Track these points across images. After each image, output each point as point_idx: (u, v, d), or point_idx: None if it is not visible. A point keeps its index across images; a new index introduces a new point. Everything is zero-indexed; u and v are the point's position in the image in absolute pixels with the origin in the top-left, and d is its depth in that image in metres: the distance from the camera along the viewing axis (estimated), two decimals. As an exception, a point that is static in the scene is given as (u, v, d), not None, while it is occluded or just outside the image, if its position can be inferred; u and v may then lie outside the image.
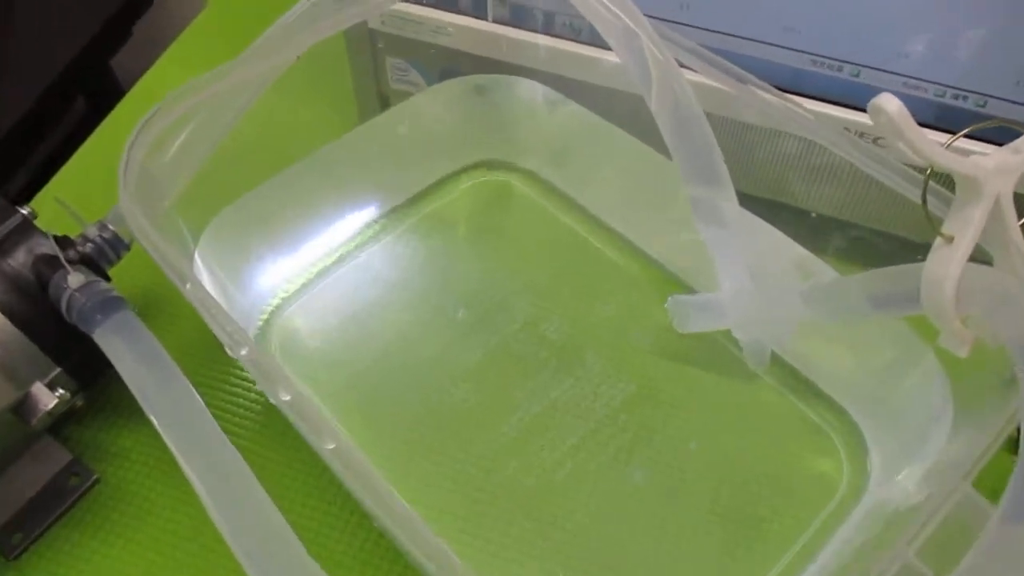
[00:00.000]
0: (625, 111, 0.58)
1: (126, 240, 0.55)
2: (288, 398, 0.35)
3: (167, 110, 0.48)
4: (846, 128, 0.55)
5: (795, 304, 0.50)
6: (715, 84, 0.52)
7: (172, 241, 0.48)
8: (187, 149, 0.51)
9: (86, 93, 1.02)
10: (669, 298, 0.56)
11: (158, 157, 0.49)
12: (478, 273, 0.62)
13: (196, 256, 0.52)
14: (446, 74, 0.64)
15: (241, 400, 0.57)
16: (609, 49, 0.49)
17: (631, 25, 0.49)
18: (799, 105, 0.51)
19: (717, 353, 0.57)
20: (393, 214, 0.65)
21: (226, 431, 0.40)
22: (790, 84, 0.58)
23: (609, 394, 0.55)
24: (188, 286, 0.39)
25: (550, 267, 0.61)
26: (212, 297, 0.39)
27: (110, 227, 0.58)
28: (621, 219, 0.61)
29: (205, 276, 0.52)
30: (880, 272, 0.45)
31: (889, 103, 0.36)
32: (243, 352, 0.37)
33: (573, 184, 0.63)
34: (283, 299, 0.60)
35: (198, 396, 0.46)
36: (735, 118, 0.56)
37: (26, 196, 0.72)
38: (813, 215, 0.57)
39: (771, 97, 0.52)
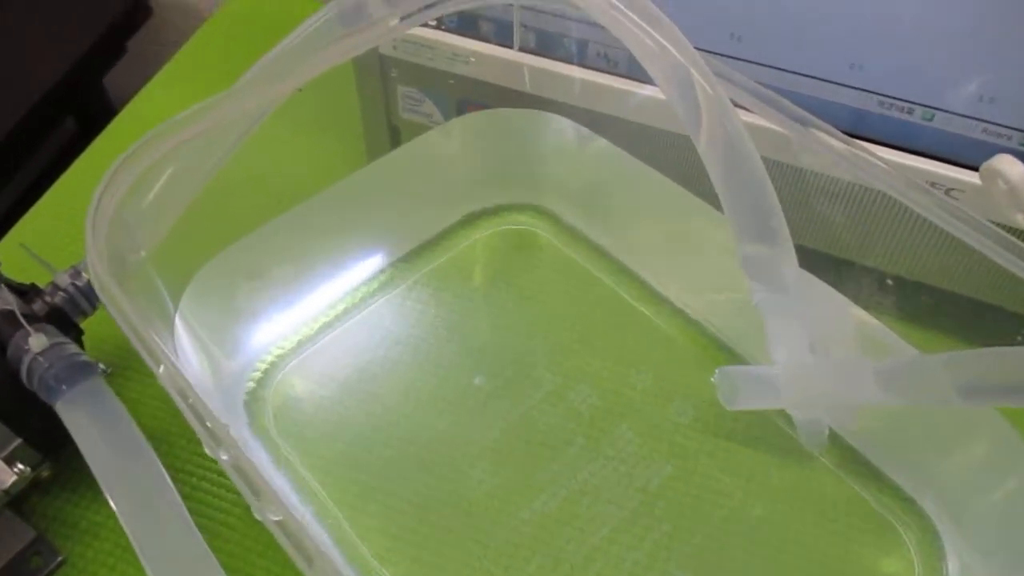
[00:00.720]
0: (665, 152, 0.52)
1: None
2: (278, 519, 0.29)
3: (147, 149, 0.41)
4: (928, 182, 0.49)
5: (865, 385, 0.43)
6: (772, 126, 0.45)
7: (148, 300, 0.42)
8: (168, 193, 0.44)
9: (76, 113, 0.95)
10: (717, 371, 0.49)
11: (135, 202, 0.42)
12: (498, 333, 0.55)
13: (176, 317, 0.45)
14: (464, 106, 0.58)
15: (228, 492, 0.50)
16: (648, 82, 0.43)
17: (679, 58, 0.42)
18: (871, 152, 0.45)
19: (767, 431, 0.50)
20: (403, 264, 0.58)
21: (205, 528, 0.34)
22: (851, 127, 0.51)
23: (645, 476, 0.48)
24: (162, 369, 0.33)
25: (579, 327, 0.55)
26: (190, 384, 0.32)
27: (84, 274, 0.52)
28: (659, 273, 0.54)
29: (186, 339, 0.45)
30: (972, 355, 0.38)
31: (1011, 167, 0.30)
32: (223, 457, 0.30)
33: (605, 232, 0.56)
34: (277, 360, 0.53)
35: (171, 485, 0.39)
36: (793, 164, 0.49)
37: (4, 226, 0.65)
38: (882, 275, 0.50)
39: (837, 143, 0.45)
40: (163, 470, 0.40)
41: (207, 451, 0.32)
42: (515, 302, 0.56)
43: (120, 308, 0.35)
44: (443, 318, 0.55)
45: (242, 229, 0.50)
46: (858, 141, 0.45)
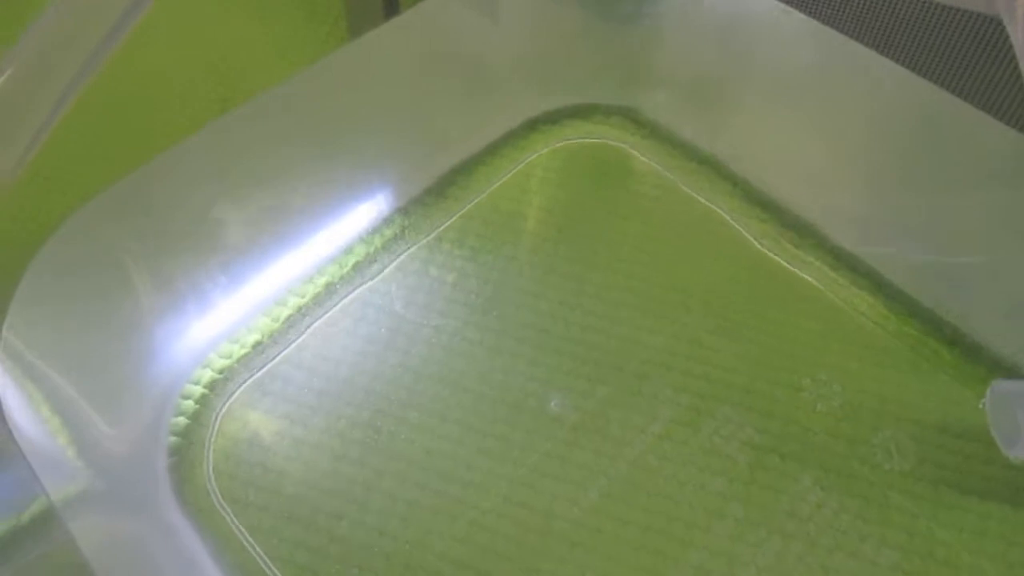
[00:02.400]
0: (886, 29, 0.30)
1: None
2: None
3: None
4: None
5: None
6: None
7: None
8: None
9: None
10: (991, 388, 0.28)
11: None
12: (575, 321, 0.34)
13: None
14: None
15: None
16: None
17: None
18: None
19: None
20: (412, 211, 0.36)
21: None
22: None
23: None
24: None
25: (709, 306, 0.34)
26: None
27: None
28: (829, 213, 0.33)
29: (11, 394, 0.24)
30: None
31: None
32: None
33: (752, 154, 0.35)
34: (215, 382, 0.32)
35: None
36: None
37: None
38: None
39: None
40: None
41: None
42: (602, 266, 0.35)
43: None
44: (486, 298, 0.34)
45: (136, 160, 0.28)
46: None
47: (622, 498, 0.30)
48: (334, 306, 0.34)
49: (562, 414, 0.32)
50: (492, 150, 0.37)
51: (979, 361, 0.32)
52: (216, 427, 0.32)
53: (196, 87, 0.40)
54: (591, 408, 0.32)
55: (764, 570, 0.29)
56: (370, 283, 0.35)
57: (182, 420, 0.32)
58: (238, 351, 0.33)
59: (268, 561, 0.29)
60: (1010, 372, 0.31)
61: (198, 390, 0.33)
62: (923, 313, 0.33)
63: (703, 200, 0.36)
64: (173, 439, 0.31)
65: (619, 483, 0.31)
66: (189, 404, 0.32)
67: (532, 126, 0.38)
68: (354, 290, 0.35)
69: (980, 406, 0.30)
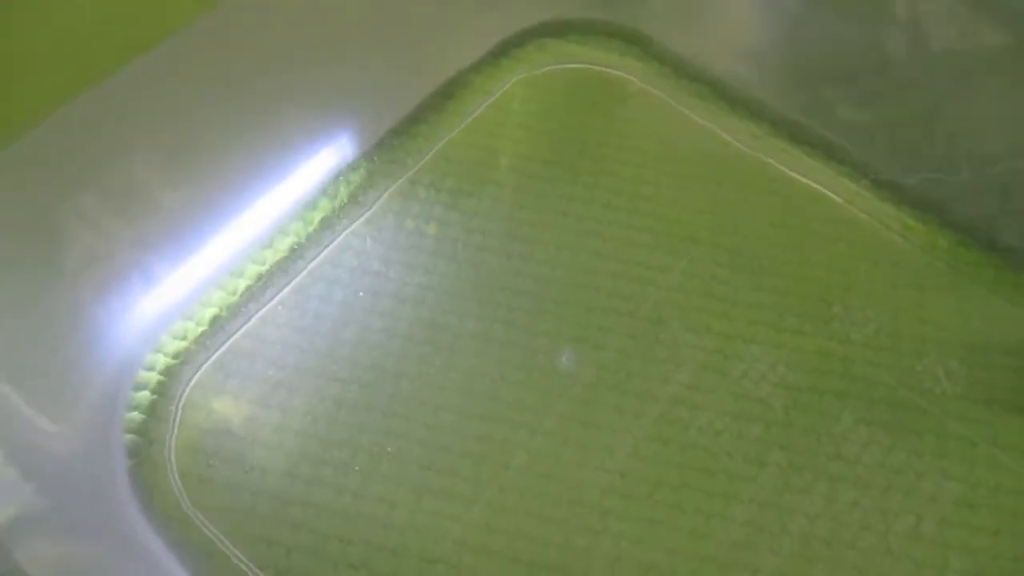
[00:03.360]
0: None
1: None
2: None
3: None
4: None
5: None
6: None
7: None
8: None
9: None
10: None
11: None
12: (574, 262, 0.30)
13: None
14: None
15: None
16: None
17: None
18: None
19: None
20: (378, 154, 0.32)
21: None
22: None
23: (907, 511, 0.26)
24: None
25: (726, 236, 0.31)
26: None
27: None
28: (854, 130, 0.30)
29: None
30: None
31: None
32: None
33: (742, 62, 0.32)
34: (170, 368, 0.28)
35: None
36: None
37: None
38: None
39: None
40: None
41: None
42: (598, 202, 0.31)
43: None
44: (474, 248, 0.30)
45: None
46: None
47: (653, 457, 0.27)
48: (301, 271, 0.30)
49: (576, 370, 0.28)
50: (462, 80, 0.33)
51: (1020, 269, 0.29)
52: (177, 419, 0.27)
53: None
54: (607, 361, 0.28)
55: (815, 518, 0.26)
56: (340, 239, 0.30)
57: (136, 415, 0.27)
58: (193, 329, 0.29)
59: (258, 572, 0.25)
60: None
61: (152, 377, 0.28)
62: (954, 222, 0.30)
63: (698, 119, 0.33)
64: (129, 438, 0.27)
65: (648, 441, 0.27)
66: (144, 396, 0.27)
67: (504, 51, 0.34)
68: (323, 250, 0.30)
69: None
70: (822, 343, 0.29)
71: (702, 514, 0.26)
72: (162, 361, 0.28)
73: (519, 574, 0.25)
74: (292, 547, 0.25)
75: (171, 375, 0.28)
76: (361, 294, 0.29)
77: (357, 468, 0.27)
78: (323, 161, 0.31)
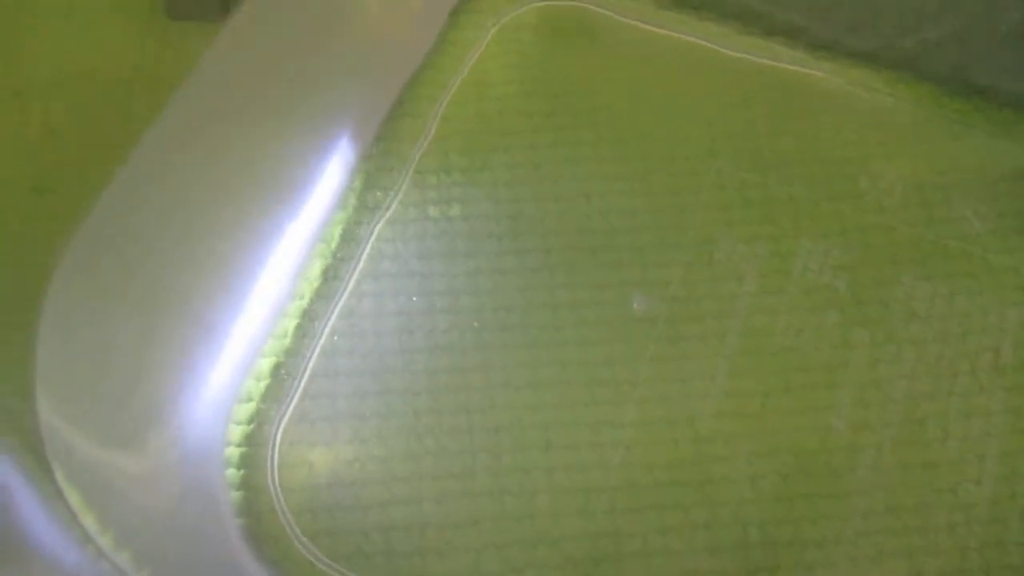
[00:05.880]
0: None
1: None
2: None
3: None
4: None
5: None
6: None
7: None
8: None
9: None
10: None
11: None
12: (611, 208, 0.30)
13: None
14: None
15: None
16: None
17: None
18: None
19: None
20: (374, 155, 0.30)
21: None
22: None
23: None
24: None
25: (742, 139, 0.31)
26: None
27: None
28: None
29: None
30: None
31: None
32: None
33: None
34: (248, 438, 0.26)
35: None
36: None
37: None
38: None
39: None
40: None
41: None
42: (609, 141, 0.31)
43: None
44: (506, 219, 0.29)
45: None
46: None
47: (750, 371, 0.28)
48: (343, 292, 0.28)
49: (651, 312, 0.28)
50: (436, 50, 0.31)
51: (1005, 105, 0.31)
52: (278, 488, 0.26)
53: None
54: (675, 294, 0.28)
55: (914, 378, 0.27)
56: (368, 249, 0.28)
57: (237, 495, 0.25)
58: (257, 387, 0.27)
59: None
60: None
61: (234, 453, 0.26)
62: (934, 76, 0.32)
63: (676, 35, 0.32)
64: (239, 522, 0.25)
65: (740, 357, 0.28)
66: (232, 474, 0.25)
67: (462, 9, 0.32)
68: (356, 265, 0.28)
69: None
70: (862, 218, 0.30)
71: (813, 410, 0.27)
72: (239, 431, 0.26)
73: (676, 521, 0.26)
74: (449, 571, 0.25)
75: (252, 443, 0.26)
76: (415, 299, 0.28)
77: (481, 469, 0.26)
78: (326, 178, 0.29)
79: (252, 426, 0.26)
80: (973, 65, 0.32)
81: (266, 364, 0.27)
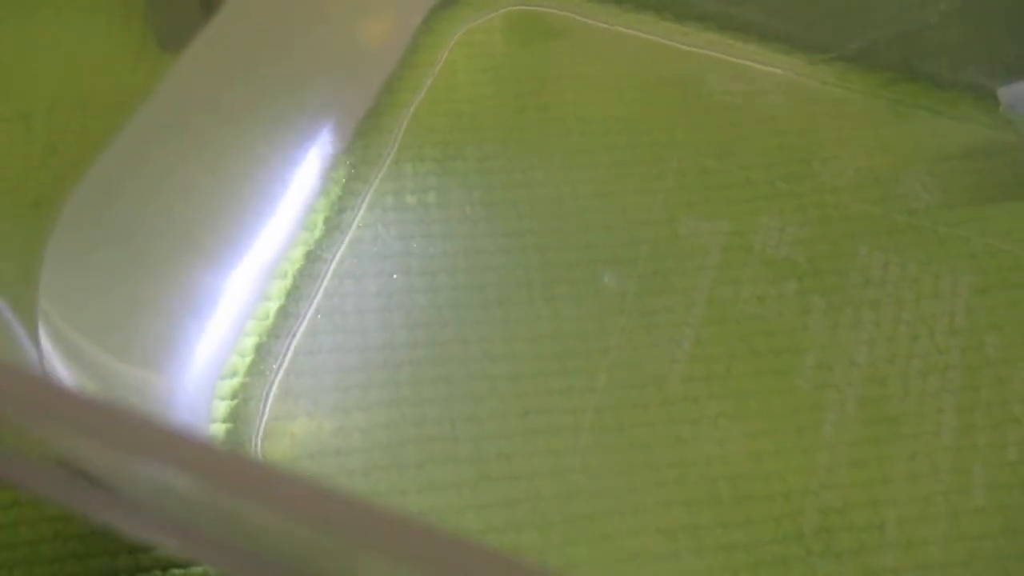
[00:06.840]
0: None
1: None
2: None
3: None
4: None
5: None
6: None
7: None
8: None
9: None
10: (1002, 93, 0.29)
11: None
12: (581, 192, 0.31)
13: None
14: None
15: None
16: None
17: None
18: None
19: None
20: (358, 141, 0.32)
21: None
22: None
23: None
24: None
25: (703, 131, 0.33)
26: None
27: None
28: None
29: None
30: None
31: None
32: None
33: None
34: (234, 413, 0.27)
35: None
36: None
37: None
38: None
39: None
40: None
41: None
42: (579, 132, 0.33)
43: None
44: (479, 204, 0.31)
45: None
46: None
47: (716, 338, 0.29)
48: (325, 274, 0.29)
49: (621, 286, 0.30)
50: (410, 46, 0.33)
51: (944, 86, 0.33)
52: (261, 459, 0.27)
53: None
54: (642, 271, 0.30)
55: (873, 343, 0.29)
56: (351, 234, 0.30)
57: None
58: (241, 362, 0.28)
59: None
60: (977, 87, 0.33)
61: (220, 428, 0.27)
62: (882, 66, 0.34)
63: (647, 36, 0.34)
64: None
65: (706, 325, 0.29)
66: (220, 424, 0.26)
67: (434, 15, 0.34)
68: (339, 248, 0.30)
69: (1000, 111, 0.32)
70: (817, 197, 0.31)
71: (777, 372, 0.28)
72: (225, 407, 0.27)
73: (647, 479, 0.27)
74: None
75: (236, 419, 0.27)
76: (395, 276, 0.29)
77: (461, 437, 0.27)
78: (309, 170, 0.31)
79: (236, 401, 0.27)
80: (918, 53, 0.34)
81: (249, 343, 0.28)
